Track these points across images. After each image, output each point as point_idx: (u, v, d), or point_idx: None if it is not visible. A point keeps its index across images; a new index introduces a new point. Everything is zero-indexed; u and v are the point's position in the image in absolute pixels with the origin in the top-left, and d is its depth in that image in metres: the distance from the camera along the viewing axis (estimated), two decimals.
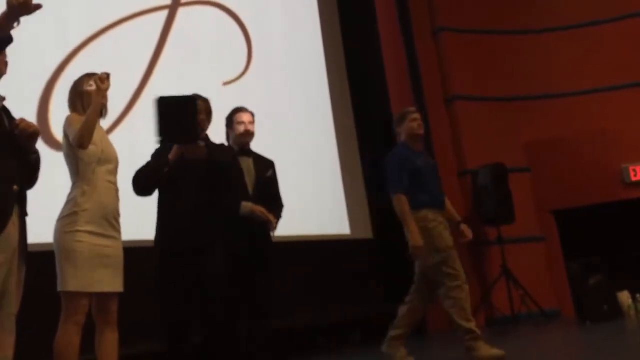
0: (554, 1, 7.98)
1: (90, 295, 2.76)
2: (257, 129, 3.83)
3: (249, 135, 3.72)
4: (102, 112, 2.93)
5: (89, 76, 2.97)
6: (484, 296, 7.02)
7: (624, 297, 6.31)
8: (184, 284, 3.06)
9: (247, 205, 3.53)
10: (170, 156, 3.13)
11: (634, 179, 7.19)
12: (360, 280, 6.33)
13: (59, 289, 2.74)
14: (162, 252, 3.12)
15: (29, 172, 2.60)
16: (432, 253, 4.02)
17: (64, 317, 2.72)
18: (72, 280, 2.71)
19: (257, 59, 6.18)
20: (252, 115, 3.79)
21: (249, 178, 3.69)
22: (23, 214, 2.54)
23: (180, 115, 3.01)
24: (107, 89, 2.86)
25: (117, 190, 2.91)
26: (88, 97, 2.89)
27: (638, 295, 6.31)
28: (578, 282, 6.25)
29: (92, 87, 2.89)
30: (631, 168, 7.19)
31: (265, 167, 3.80)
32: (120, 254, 2.86)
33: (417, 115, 4.36)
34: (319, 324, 5.93)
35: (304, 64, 6.64)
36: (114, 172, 2.92)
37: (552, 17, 7.93)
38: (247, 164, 3.68)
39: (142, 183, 3.18)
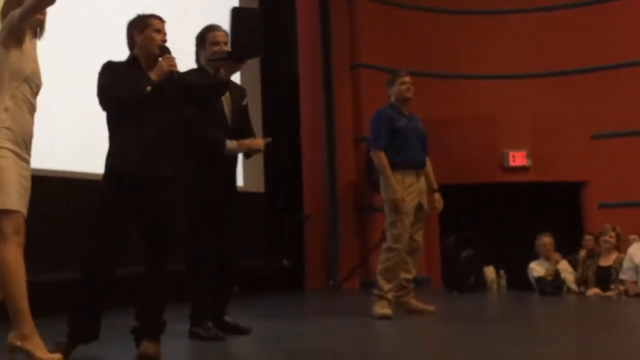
0: None
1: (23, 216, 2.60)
2: None
3: None
4: (37, 30, 2.74)
5: None
6: (363, 260, 7.32)
7: (489, 271, 6.83)
8: (127, 211, 2.96)
9: (232, 144, 3.49)
10: (223, 76, 3.13)
11: (512, 164, 7.68)
12: (248, 233, 6.41)
13: None
14: (114, 173, 2.98)
15: None
16: (390, 212, 4.27)
17: (3, 239, 2.53)
18: (5, 198, 2.54)
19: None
20: (227, 34, 3.46)
21: (227, 107, 3.59)
22: None
23: (251, 28, 3.01)
24: None
25: (34, 114, 2.74)
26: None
27: (502, 271, 6.85)
28: (450, 254, 6.67)
29: None
30: (511, 154, 7.66)
31: (241, 95, 3.68)
32: (30, 179, 2.70)
33: (406, 79, 4.49)
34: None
35: (217, 18, 6.48)
36: (36, 95, 2.74)
37: (462, 0, 8.23)
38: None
39: (122, 93, 2.92)
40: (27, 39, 2.71)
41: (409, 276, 4.44)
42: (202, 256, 3.49)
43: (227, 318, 3.62)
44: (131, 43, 3.13)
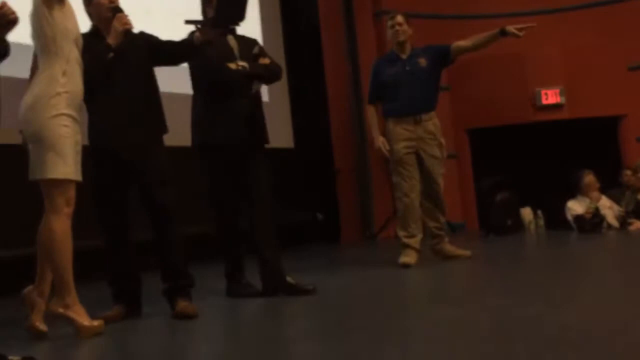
0: None
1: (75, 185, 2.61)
2: None
3: None
4: None
5: None
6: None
7: (526, 212, 6.74)
8: (120, 183, 3.01)
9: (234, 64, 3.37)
10: (197, 39, 3.04)
11: (544, 102, 7.49)
12: (281, 188, 6.43)
13: (43, 177, 2.53)
14: (96, 149, 3.00)
15: None
16: (391, 160, 4.34)
17: (52, 208, 2.56)
18: (64, 167, 2.54)
19: None
20: None
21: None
22: None
23: None
24: None
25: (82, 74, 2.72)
26: None
27: (539, 212, 6.76)
28: (485, 198, 6.60)
29: None
30: (543, 92, 7.47)
31: (249, 46, 3.54)
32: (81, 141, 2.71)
33: (396, 20, 4.38)
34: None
35: None
36: (81, 54, 2.72)
37: None
38: (231, 42, 3.45)
39: (84, 73, 2.82)
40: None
41: (436, 224, 4.39)
42: (220, 212, 3.49)
43: (289, 279, 3.36)
44: (88, 15, 3.09)
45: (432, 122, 4.37)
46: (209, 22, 3.10)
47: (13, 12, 2.39)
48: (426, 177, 4.33)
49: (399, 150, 4.27)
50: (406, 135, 4.28)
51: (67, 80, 2.59)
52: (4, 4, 2.39)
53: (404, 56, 4.39)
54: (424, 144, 4.31)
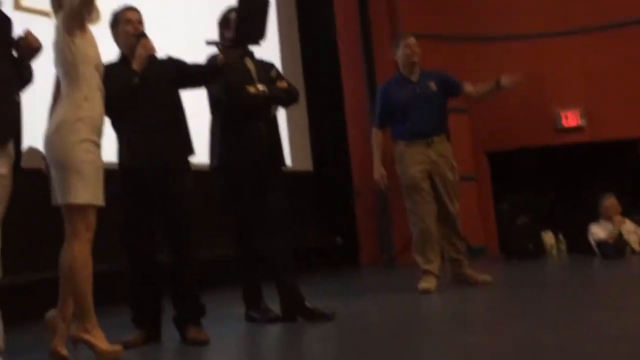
0: None
1: (96, 209, 2.63)
2: None
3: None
4: (93, 15, 2.75)
5: None
6: None
7: (548, 236, 6.65)
8: (147, 205, 3.02)
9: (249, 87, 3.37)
10: (220, 60, 3.08)
11: (565, 124, 7.44)
12: (300, 211, 6.43)
13: (65, 202, 2.56)
14: (126, 171, 3.03)
15: (24, 85, 2.52)
16: (402, 186, 4.26)
17: (73, 233, 2.58)
18: (85, 193, 2.56)
19: None
20: None
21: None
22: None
23: (257, 15, 3.02)
24: None
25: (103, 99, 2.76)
26: None
27: (560, 236, 6.67)
28: (506, 221, 6.54)
29: None
30: (563, 114, 7.43)
31: (266, 69, 3.55)
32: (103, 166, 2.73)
33: (410, 41, 4.34)
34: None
35: None
36: (102, 80, 2.76)
37: None
38: (249, 65, 3.47)
39: (111, 99, 2.86)
40: (86, 25, 2.70)
41: (456, 248, 4.30)
42: (239, 235, 3.46)
43: (307, 304, 3.30)
44: (117, 43, 3.14)
45: (444, 144, 4.30)
46: (230, 41, 3.11)
47: (37, 40, 2.44)
48: (441, 201, 4.24)
49: (414, 175, 4.18)
50: (419, 159, 4.20)
51: (89, 105, 2.62)
52: (29, 33, 2.44)
53: (413, 78, 4.34)
54: (437, 167, 4.24)
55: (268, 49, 6.34)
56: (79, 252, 2.58)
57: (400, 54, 4.37)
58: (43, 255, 3.45)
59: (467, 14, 7.76)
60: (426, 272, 4.17)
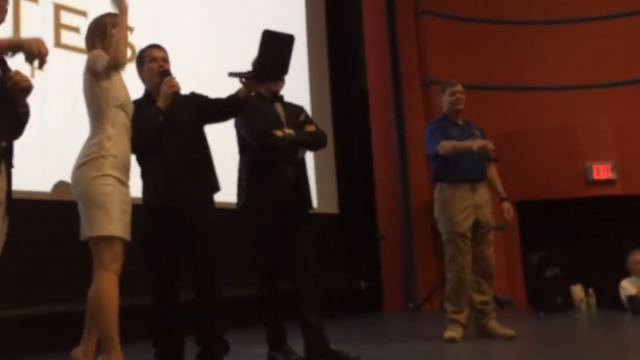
0: None
1: (123, 242, 2.67)
2: None
3: (280, 81, 3.51)
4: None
5: (111, 15, 2.82)
6: (441, 281, 7.13)
7: (577, 290, 6.50)
8: (172, 241, 3.04)
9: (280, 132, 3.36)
10: (242, 94, 3.12)
11: (596, 177, 7.34)
12: (325, 254, 6.39)
13: (90, 235, 2.60)
14: (150, 208, 3.07)
15: (17, 125, 2.54)
16: (442, 231, 4.17)
17: (100, 265, 2.61)
18: (109, 224, 2.60)
19: (239, 31, 6.08)
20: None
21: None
22: (9, 166, 2.49)
23: (280, 51, 3.04)
24: (127, 8, 2.72)
25: (130, 138, 2.82)
26: (109, 37, 2.76)
27: (590, 290, 6.51)
28: (535, 273, 6.40)
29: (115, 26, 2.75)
30: (594, 166, 7.34)
31: (296, 113, 3.56)
32: (130, 204, 2.77)
33: (457, 89, 4.35)
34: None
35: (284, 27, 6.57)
36: (130, 118, 2.83)
37: (532, 9, 8.00)
38: (278, 109, 3.49)
39: (136, 137, 2.91)
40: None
41: (485, 298, 4.21)
42: (265, 276, 3.43)
43: (331, 346, 3.29)
44: (142, 80, 3.22)
45: (484, 190, 4.26)
46: (252, 74, 3.12)
47: (26, 80, 2.49)
48: (479, 248, 4.18)
49: (461, 222, 4.09)
50: (466, 204, 4.12)
51: (112, 145, 2.69)
52: (16, 72, 2.49)
53: (459, 123, 4.35)
54: (480, 212, 4.18)
55: (299, 91, 6.44)
56: (105, 284, 2.60)
57: (446, 99, 4.37)
58: (73, 288, 3.47)
59: (500, 64, 7.79)
60: (454, 321, 4.09)
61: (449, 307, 4.15)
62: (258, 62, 3.09)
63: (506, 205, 4.33)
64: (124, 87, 2.83)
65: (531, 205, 7.44)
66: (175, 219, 3.01)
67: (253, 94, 3.26)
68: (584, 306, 6.44)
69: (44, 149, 4.33)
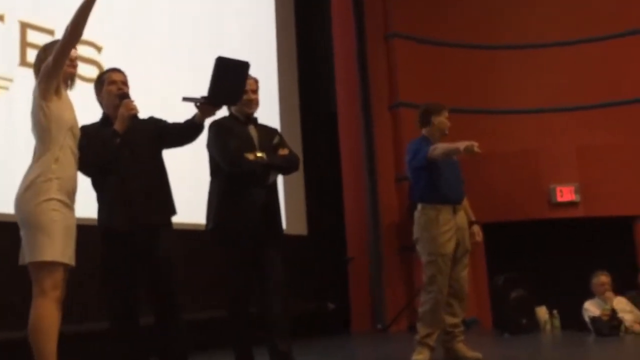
0: (503, 20, 8.22)
1: (64, 268, 2.62)
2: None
3: (254, 104, 3.52)
4: (68, 82, 2.83)
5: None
6: (409, 302, 7.16)
7: (542, 312, 6.58)
8: (129, 265, 3.02)
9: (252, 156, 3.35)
10: (198, 118, 3.13)
11: (559, 199, 7.47)
12: (293, 276, 6.36)
13: (32, 260, 2.55)
14: (107, 232, 3.05)
15: None
16: (423, 252, 4.12)
17: (40, 292, 2.56)
18: (50, 250, 2.55)
19: (206, 51, 6.09)
20: (257, 82, 3.57)
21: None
22: None
23: (234, 77, 3.06)
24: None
25: (77, 161, 2.80)
26: None
27: (554, 311, 6.60)
28: (500, 295, 6.47)
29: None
30: (558, 189, 7.46)
31: (269, 135, 3.57)
32: (75, 228, 2.74)
33: (445, 116, 4.32)
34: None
35: (256, 57, 6.60)
36: (77, 143, 2.81)
37: (500, 35, 8.17)
38: (252, 132, 3.49)
39: (93, 159, 2.96)
40: (62, 89, 2.77)
41: (455, 320, 4.21)
42: (232, 300, 3.41)
43: None
44: (100, 103, 3.22)
45: (463, 213, 4.27)
46: (205, 100, 3.12)
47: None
48: (455, 270, 4.16)
49: (445, 244, 4.06)
50: (449, 225, 4.10)
51: (58, 167, 2.66)
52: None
53: None
54: (461, 234, 4.18)
55: (268, 112, 6.45)
56: (44, 311, 2.55)
57: (439, 120, 4.29)
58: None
59: (467, 88, 7.92)
60: (422, 344, 4.08)
61: (421, 329, 4.11)
62: (211, 88, 3.08)
63: (476, 228, 4.35)
64: (72, 110, 2.81)
65: (497, 227, 7.53)
66: (132, 243, 3.00)
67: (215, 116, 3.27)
68: (548, 327, 6.52)
69: (11, 168, 4.25)
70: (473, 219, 4.39)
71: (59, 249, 2.57)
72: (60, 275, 2.61)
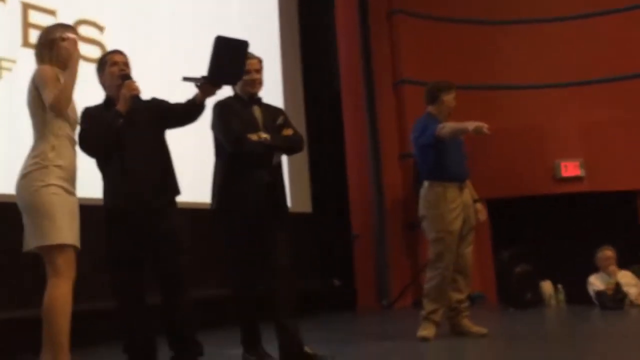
0: None
1: (74, 249, 2.65)
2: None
3: (258, 84, 3.48)
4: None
5: (62, 27, 2.83)
6: (414, 278, 7.21)
7: (547, 286, 6.62)
8: (135, 244, 3.04)
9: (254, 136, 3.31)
10: (199, 98, 3.13)
11: (564, 174, 7.46)
12: (298, 253, 6.39)
13: (41, 244, 2.59)
14: (112, 211, 3.07)
15: None
16: (431, 229, 4.13)
17: (53, 272, 2.59)
18: (58, 232, 2.59)
19: (207, 30, 6.06)
20: (260, 61, 3.52)
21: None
22: None
23: (233, 57, 3.05)
24: (79, 57, 2.76)
25: (75, 147, 2.82)
26: (59, 50, 2.77)
27: (559, 286, 6.63)
28: (505, 270, 6.50)
29: (66, 41, 2.77)
30: (563, 164, 7.45)
31: (273, 115, 3.52)
32: (78, 211, 2.77)
33: (454, 95, 4.31)
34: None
35: (259, 39, 6.57)
36: (75, 128, 2.84)
37: (502, 11, 8.10)
38: (256, 112, 3.46)
39: (96, 140, 3.00)
40: (59, 75, 2.77)
41: (460, 296, 4.24)
42: (239, 281, 3.42)
43: (307, 349, 3.26)
44: (102, 85, 3.22)
45: (469, 189, 4.31)
46: (206, 79, 3.11)
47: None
48: (461, 246, 4.18)
49: (453, 221, 4.08)
50: (457, 203, 4.12)
51: (55, 155, 2.68)
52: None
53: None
54: (467, 211, 4.19)
55: (271, 91, 6.44)
56: (60, 292, 2.59)
57: (449, 98, 4.29)
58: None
59: (470, 64, 7.86)
60: (428, 320, 4.12)
61: (427, 305, 4.13)
62: (211, 68, 3.07)
63: (479, 206, 4.37)
64: None
65: (501, 202, 7.54)
66: (137, 222, 3.02)
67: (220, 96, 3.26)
68: (553, 302, 6.56)
69: (14, 148, 4.26)
70: (476, 197, 4.40)
71: (65, 231, 2.61)
72: (71, 255, 2.64)
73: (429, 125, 4.19)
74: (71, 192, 2.71)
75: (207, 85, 3.11)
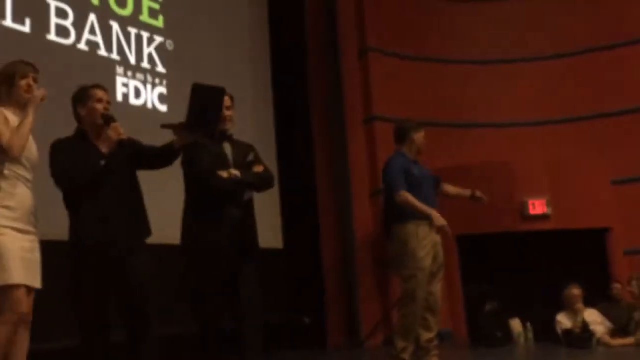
0: (476, 35, 8.35)
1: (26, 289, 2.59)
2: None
3: (228, 120, 3.50)
4: (22, 106, 2.79)
5: (24, 64, 2.80)
6: (385, 316, 7.17)
7: (516, 324, 6.64)
8: (101, 283, 3.01)
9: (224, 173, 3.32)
10: (176, 143, 3.14)
11: (532, 212, 7.55)
12: (268, 290, 6.33)
13: None
14: (80, 249, 3.03)
15: None
16: (402, 266, 4.15)
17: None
18: (4, 273, 2.54)
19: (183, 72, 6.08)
20: (232, 98, 3.55)
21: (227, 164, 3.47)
22: None
23: (210, 104, 3.06)
24: (36, 102, 2.73)
25: (31, 187, 2.78)
26: (17, 90, 2.74)
27: (528, 324, 6.66)
28: (475, 307, 6.52)
29: (25, 82, 2.74)
30: (531, 202, 7.56)
31: (244, 152, 3.56)
32: (38, 250, 2.73)
33: (423, 134, 4.44)
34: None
35: (231, 74, 6.61)
36: (30, 169, 2.78)
37: (471, 51, 8.29)
38: (226, 149, 3.47)
39: (76, 179, 2.97)
40: (11, 116, 2.74)
41: (430, 335, 4.24)
42: (205, 321, 3.37)
43: None
44: (77, 116, 3.19)
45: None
46: (182, 127, 3.13)
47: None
48: (432, 284, 4.22)
49: (424, 258, 4.13)
50: (428, 240, 4.17)
51: (3, 196, 2.63)
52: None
53: (418, 163, 4.43)
54: (438, 249, 4.26)
55: (243, 125, 6.46)
56: (4, 332, 2.53)
57: (418, 137, 4.41)
58: None
59: (437, 102, 8.00)
60: (398, 359, 4.09)
61: (400, 343, 4.13)
62: (189, 115, 3.08)
63: (478, 193, 4.54)
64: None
65: (471, 238, 7.60)
66: (106, 261, 2.99)
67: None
68: (522, 340, 6.57)
69: None
70: (468, 193, 4.56)
71: (11, 271, 2.55)
72: (16, 296, 2.57)
73: (401, 170, 4.26)
74: (25, 231, 2.67)
75: (184, 131, 3.11)
